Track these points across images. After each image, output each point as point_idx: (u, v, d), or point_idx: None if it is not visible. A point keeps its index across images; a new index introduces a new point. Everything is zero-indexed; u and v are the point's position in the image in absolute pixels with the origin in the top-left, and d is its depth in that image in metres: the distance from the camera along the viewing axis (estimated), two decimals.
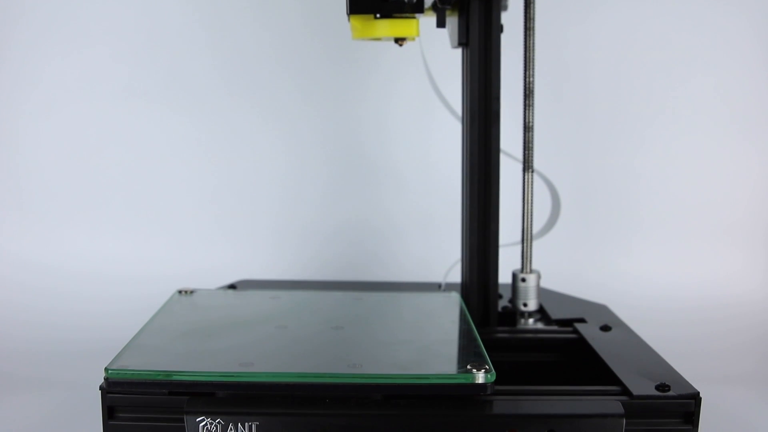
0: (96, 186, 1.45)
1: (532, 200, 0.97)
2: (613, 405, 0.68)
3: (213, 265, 1.40)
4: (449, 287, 1.06)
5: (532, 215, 0.97)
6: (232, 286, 1.09)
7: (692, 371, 0.75)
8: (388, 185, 1.46)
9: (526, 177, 0.96)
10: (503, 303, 1.02)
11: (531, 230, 0.97)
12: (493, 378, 0.68)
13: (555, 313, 0.98)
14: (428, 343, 0.77)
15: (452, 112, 1.04)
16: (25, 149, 1.44)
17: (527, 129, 0.96)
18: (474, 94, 0.93)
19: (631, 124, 1.44)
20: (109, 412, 0.69)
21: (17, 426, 0.91)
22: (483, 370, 0.68)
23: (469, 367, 0.68)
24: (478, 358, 0.71)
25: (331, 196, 1.46)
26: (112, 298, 1.33)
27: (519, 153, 0.97)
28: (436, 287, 1.10)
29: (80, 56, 1.42)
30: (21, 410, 0.95)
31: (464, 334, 0.80)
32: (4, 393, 1.00)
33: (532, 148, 0.96)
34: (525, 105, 0.96)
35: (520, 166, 0.97)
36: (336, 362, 0.72)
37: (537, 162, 0.97)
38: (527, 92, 0.95)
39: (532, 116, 0.96)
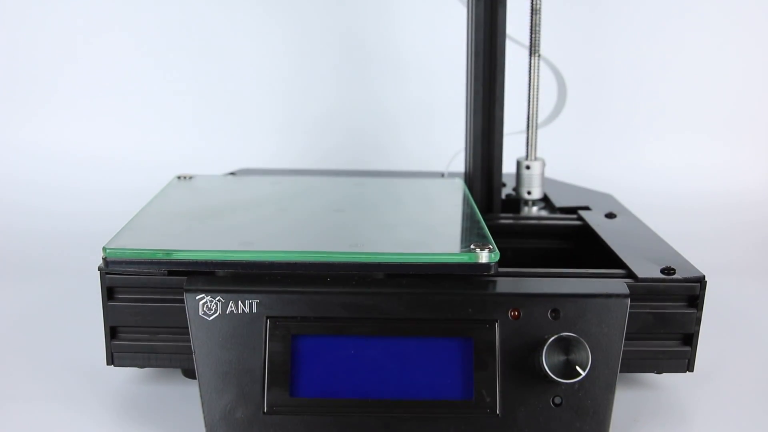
0: (96, 74, 1.43)
1: (538, 86, 0.94)
2: (617, 285, 0.68)
3: (210, 157, 1.38)
4: (452, 176, 1.04)
5: (537, 101, 0.95)
6: (232, 174, 1.08)
7: (696, 260, 0.74)
8: (390, 74, 1.43)
9: (532, 61, 0.94)
10: (507, 191, 1.00)
11: (536, 117, 0.95)
12: (497, 258, 0.67)
13: (559, 202, 0.96)
14: (431, 225, 0.77)
15: None
16: (24, 35, 1.41)
17: (534, 12, 0.93)
18: None
19: (641, 10, 1.41)
20: (108, 292, 0.68)
21: (19, 310, 0.91)
22: (487, 250, 0.66)
23: (472, 246, 0.67)
24: (482, 239, 0.70)
25: (331, 86, 1.44)
26: (111, 185, 1.32)
27: (525, 38, 0.94)
28: (439, 176, 1.09)
29: None
30: (22, 296, 0.95)
31: (467, 217, 0.79)
32: (6, 279, 1.01)
33: (539, 31, 0.93)
34: None
35: (526, 52, 0.94)
36: (337, 242, 0.71)
37: (543, 49, 0.94)
38: None
39: None
